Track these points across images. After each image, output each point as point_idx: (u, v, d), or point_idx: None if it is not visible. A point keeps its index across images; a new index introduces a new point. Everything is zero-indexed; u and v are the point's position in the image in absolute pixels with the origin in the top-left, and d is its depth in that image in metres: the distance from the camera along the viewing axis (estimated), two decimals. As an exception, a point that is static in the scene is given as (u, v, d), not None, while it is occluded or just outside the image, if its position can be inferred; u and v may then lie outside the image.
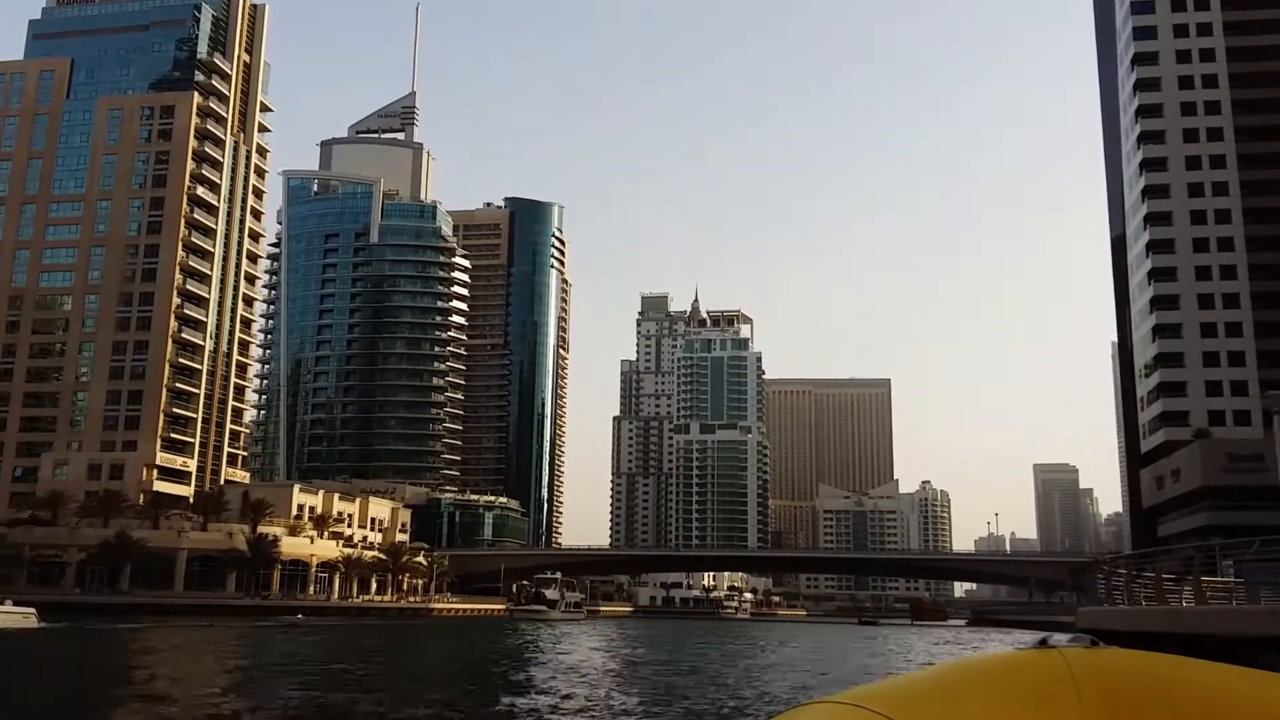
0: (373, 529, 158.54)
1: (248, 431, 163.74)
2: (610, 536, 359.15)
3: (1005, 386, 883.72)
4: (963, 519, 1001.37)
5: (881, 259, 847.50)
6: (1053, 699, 2.24)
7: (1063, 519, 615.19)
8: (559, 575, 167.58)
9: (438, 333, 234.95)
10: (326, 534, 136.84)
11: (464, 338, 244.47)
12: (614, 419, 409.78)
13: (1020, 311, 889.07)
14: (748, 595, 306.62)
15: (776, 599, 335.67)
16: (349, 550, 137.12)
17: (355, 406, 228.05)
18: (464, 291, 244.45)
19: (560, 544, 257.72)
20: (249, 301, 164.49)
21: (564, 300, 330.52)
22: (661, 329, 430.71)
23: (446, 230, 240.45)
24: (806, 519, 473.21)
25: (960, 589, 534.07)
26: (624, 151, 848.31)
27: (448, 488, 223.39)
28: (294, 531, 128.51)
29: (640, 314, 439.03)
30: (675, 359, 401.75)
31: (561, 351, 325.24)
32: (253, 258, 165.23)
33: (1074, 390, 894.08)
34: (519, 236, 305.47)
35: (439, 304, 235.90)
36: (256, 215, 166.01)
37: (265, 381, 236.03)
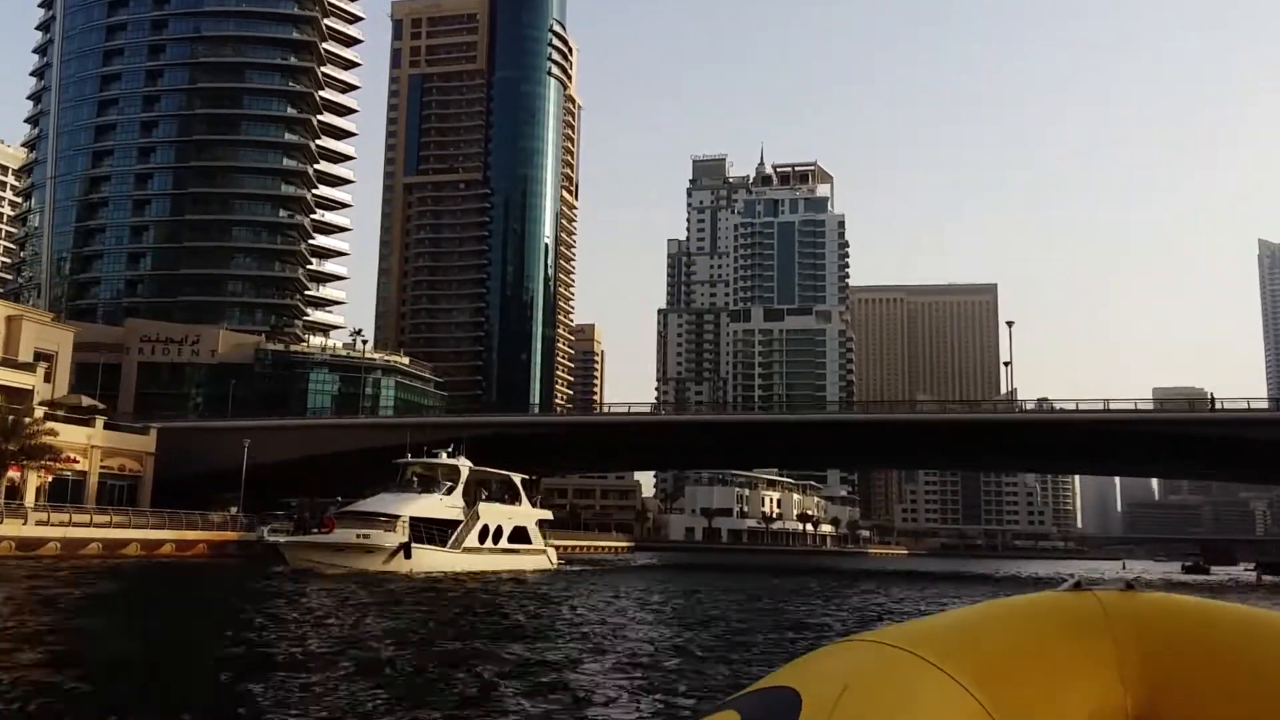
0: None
1: None
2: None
3: (1126, 302, 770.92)
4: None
5: (988, 159, 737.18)
6: (1087, 641, 2.20)
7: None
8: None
9: (296, 106, 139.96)
10: None
11: (355, 106, 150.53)
12: (659, 312, 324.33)
13: (1146, 219, 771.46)
14: (826, 527, 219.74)
15: (865, 533, 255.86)
16: None
17: (162, 206, 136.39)
18: (355, 33, 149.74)
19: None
20: None
21: (570, 126, 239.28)
22: (718, 200, 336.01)
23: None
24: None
25: (1079, 521, 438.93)
26: None
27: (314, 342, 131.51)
28: None
29: (691, 182, 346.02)
30: (733, 229, 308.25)
31: (567, 195, 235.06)
32: None
33: (1204, 304, 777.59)
34: (503, 33, 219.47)
35: (297, 60, 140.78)
36: None
37: (30, 179, 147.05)
